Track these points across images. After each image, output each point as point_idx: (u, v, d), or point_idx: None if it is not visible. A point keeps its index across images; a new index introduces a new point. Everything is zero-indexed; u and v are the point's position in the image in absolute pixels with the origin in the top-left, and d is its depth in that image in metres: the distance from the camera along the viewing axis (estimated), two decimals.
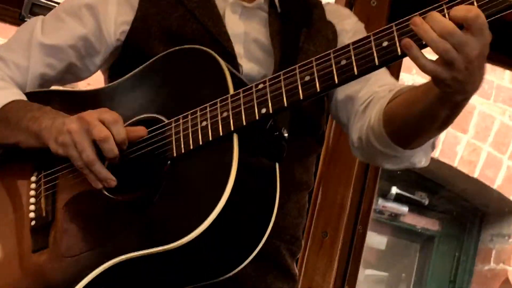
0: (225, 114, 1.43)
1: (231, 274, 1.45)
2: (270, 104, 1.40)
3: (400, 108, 1.53)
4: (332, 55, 1.39)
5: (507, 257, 5.00)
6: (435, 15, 1.26)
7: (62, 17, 1.73)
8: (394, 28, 1.31)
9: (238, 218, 1.43)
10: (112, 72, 1.75)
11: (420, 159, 1.61)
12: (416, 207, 5.11)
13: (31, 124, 1.54)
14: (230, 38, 1.66)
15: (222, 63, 1.52)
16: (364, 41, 1.35)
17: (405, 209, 5.02)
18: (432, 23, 1.25)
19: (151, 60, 1.62)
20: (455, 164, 4.90)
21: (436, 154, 4.84)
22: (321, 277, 2.45)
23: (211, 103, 1.45)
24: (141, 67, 1.63)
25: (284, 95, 1.41)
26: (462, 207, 5.32)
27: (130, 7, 1.68)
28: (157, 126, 1.50)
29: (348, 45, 1.36)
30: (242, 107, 1.43)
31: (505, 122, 5.06)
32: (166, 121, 1.51)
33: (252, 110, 1.41)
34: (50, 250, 1.54)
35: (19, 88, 1.70)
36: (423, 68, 1.27)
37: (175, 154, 1.45)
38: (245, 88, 1.45)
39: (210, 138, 1.42)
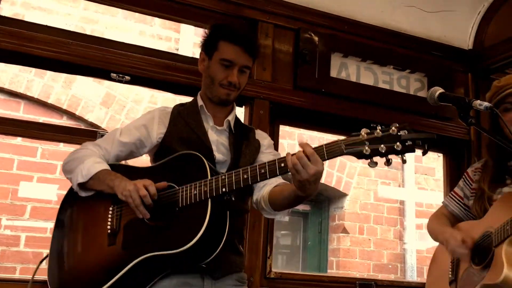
0: (205, 188, 1.63)
1: (210, 259, 1.65)
2: (227, 187, 1.62)
3: (276, 192, 1.75)
4: (257, 167, 1.60)
5: (342, 217, 5.57)
6: (300, 152, 1.48)
7: (131, 129, 1.90)
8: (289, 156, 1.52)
9: (211, 233, 1.61)
10: (155, 156, 1.94)
11: (281, 216, 1.86)
12: None
13: (110, 183, 1.73)
14: (210, 143, 1.85)
15: (205, 161, 1.69)
16: (268, 164, 1.58)
17: None
18: (297, 153, 1.49)
19: (170, 157, 1.79)
20: None
21: None
22: (256, 245, 2.54)
23: (199, 181, 1.65)
24: (164, 159, 1.80)
25: (233, 183, 1.62)
26: (320, 197, 5.73)
27: (164, 125, 1.89)
28: (173, 189, 1.71)
29: (264, 164, 1.59)
30: (214, 186, 1.63)
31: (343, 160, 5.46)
32: (177, 187, 1.70)
33: (218, 189, 1.62)
34: (116, 246, 1.70)
35: (105, 161, 1.85)
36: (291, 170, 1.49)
37: (180, 205, 1.67)
38: (216, 176, 1.65)
39: (197, 200, 1.64)
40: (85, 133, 2.53)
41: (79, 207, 1.83)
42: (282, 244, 5.84)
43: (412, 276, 5.44)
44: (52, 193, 4.12)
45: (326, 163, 4.78)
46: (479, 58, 3.13)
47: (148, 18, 4.53)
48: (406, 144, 1.40)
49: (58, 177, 4.18)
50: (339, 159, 5.56)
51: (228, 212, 1.66)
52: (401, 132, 1.41)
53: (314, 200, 5.77)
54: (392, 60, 3.01)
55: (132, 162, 2.01)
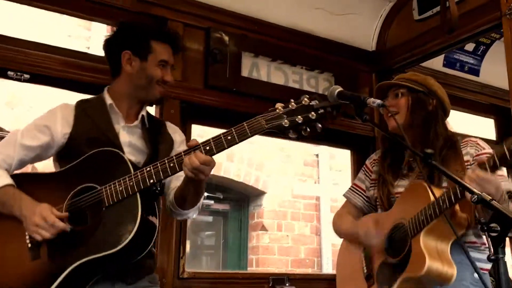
0: (131, 183, 1.59)
1: (135, 260, 1.64)
2: (154, 177, 1.59)
3: (178, 190, 1.79)
4: (182, 154, 1.62)
5: (261, 215, 5.79)
6: (199, 154, 1.55)
7: (33, 132, 1.79)
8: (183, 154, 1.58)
9: (144, 226, 1.59)
10: (58, 157, 1.84)
11: (191, 215, 1.87)
12: (217, 200, 5.73)
13: (14, 211, 1.66)
14: (121, 144, 1.79)
15: (125, 156, 1.68)
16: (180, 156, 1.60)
17: (211, 201, 5.63)
18: (196, 155, 1.55)
19: (82, 157, 1.71)
20: (231, 177, 5.54)
21: (226, 174, 5.46)
22: (168, 246, 2.51)
23: (123, 177, 1.61)
24: (76, 161, 1.71)
25: (161, 173, 1.60)
26: (239, 196, 5.99)
27: (68, 125, 1.79)
28: (95, 189, 1.64)
29: (188, 150, 1.60)
30: (140, 179, 1.60)
31: None
32: (99, 187, 1.64)
33: (145, 181, 1.60)
34: (42, 259, 1.63)
35: (7, 168, 1.73)
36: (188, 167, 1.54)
37: (107, 204, 1.61)
38: (140, 170, 1.62)
39: (125, 196, 1.59)
40: None
41: None
42: (206, 244, 5.94)
43: (328, 269, 5.71)
44: None
45: (244, 161, 4.59)
46: (381, 59, 3.27)
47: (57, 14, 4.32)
48: (319, 112, 1.50)
49: None
50: (258, 158, 5.66)
51: (155, 203, 1.66)
52: (312, 102, 1.51)
53: (233, 200, 5.94)
54: (301, 60, 3.06)
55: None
